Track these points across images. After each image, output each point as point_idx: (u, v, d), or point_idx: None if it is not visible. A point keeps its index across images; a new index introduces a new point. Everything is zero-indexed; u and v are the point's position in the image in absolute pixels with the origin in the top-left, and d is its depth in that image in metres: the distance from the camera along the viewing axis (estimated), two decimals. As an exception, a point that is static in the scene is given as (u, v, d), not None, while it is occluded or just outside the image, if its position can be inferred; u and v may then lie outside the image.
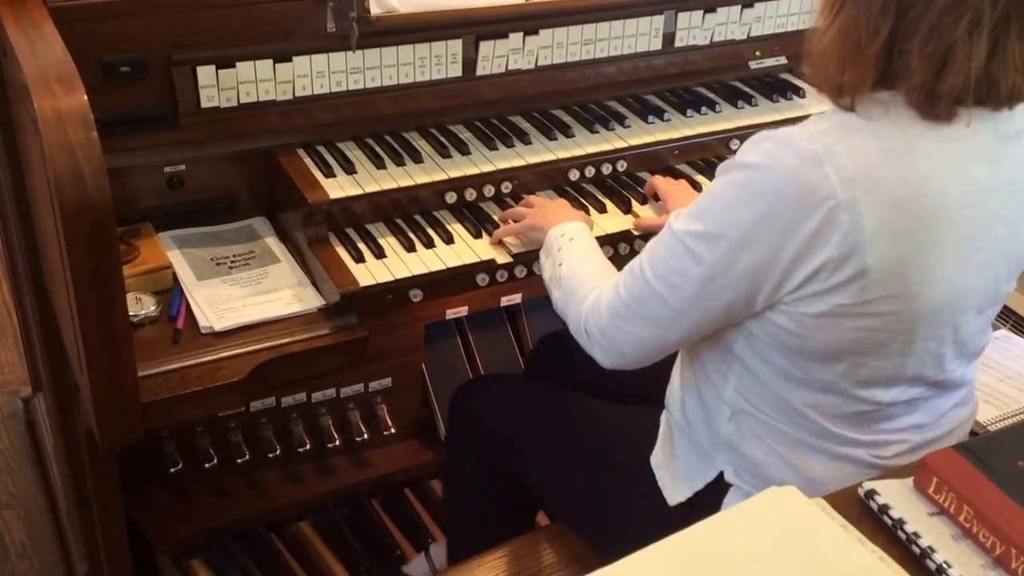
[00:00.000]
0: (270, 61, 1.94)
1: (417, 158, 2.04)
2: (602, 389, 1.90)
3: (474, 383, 2.18)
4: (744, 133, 2.29)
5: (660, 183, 2.10)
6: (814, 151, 1.30)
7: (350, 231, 1.97)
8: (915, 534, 1.26)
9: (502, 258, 1.96)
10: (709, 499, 1.61)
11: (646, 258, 1.50)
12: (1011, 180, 1.38)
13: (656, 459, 1.69)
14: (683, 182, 2.15)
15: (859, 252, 1.31)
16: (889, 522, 1.29)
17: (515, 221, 1.99)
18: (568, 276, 1.70)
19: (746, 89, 2.43)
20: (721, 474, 1.60)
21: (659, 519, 1.63)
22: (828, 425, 1.49)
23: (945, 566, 1.22)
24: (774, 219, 1.33)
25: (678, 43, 2.36)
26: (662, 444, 1.69)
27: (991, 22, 1.25)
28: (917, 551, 1.25)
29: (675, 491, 1.65)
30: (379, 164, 2.01)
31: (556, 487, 1.89)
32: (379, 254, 1.91)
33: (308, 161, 2.00)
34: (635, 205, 2.11)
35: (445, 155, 2.07)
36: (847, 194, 1.29)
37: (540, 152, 2.12)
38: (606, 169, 2.18)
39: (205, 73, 1.90)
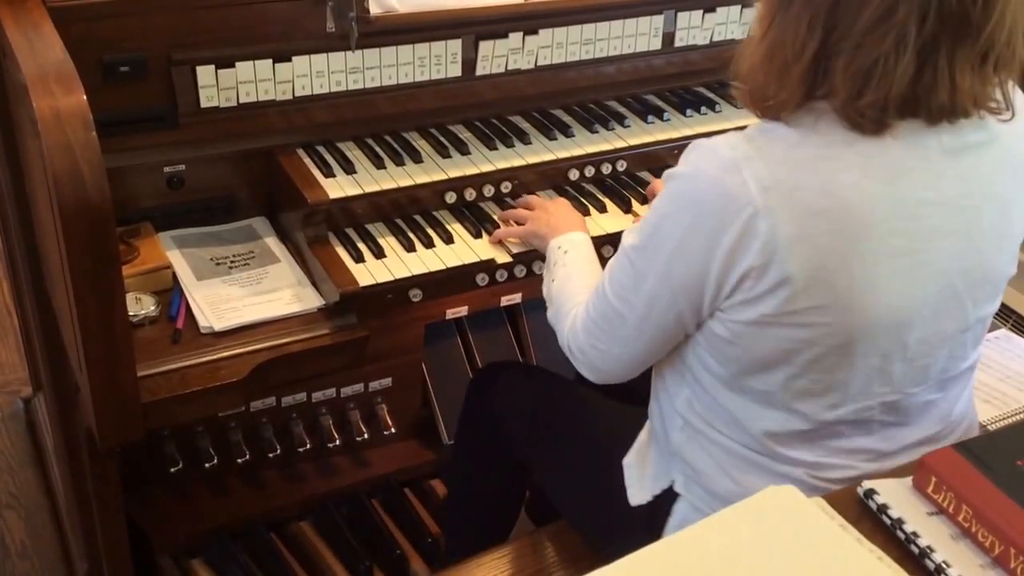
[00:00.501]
0: (269, 61, 1.94)
1: (417, 158, 2.04)
2: (613, 387, 1.90)
3: (495, 368, 2.18)
4: (744, 133, 2.29)
5: (659, 187, 2.10)
6: (734, 159, 1.31)
7: (350, 231, 1.97)
8: (914, 533, 1.26)
9: (502, 258, 1.96)
10: (665, 505, 1.62)
11: (607, 277, 1.52)
12: (962, 195, 1.35)
13: (629, 459, 1.70)
14: None
15: (778, 260, 1.30)
16: (888, 521, 1.29)
17: (516, 222, 1.99)
18: (557, 293, 1.71)
19: (746, 89, 2.43)
20: (673, 483, 1.61)
21: (624, 519, 1.66)
22: (770, 442, 1.48)
23: (944, 566, 1.22)
24: (699, 228, 1.33)
25: (678, 43, 2.36)
26: (639, 446, 1.70)
27: (918, 40, 1.24)
28: (916, 551, 1.25)
29: (639, 492, 1.66)
30: (379, 164, 2.01)
31: (555, 480, 1.90)
32: (379, 254, 1.92)
33: (308, 161, 2.00)
34: (635, 205, 2.12)
35: (445, 155, 2.07)
36: (764, 201, 1.28)
37: (540, 152, 2.12)
38: (606, 169, 2.18)
39: (205, 73, 1.90)
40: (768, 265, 1.31)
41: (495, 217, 2.05)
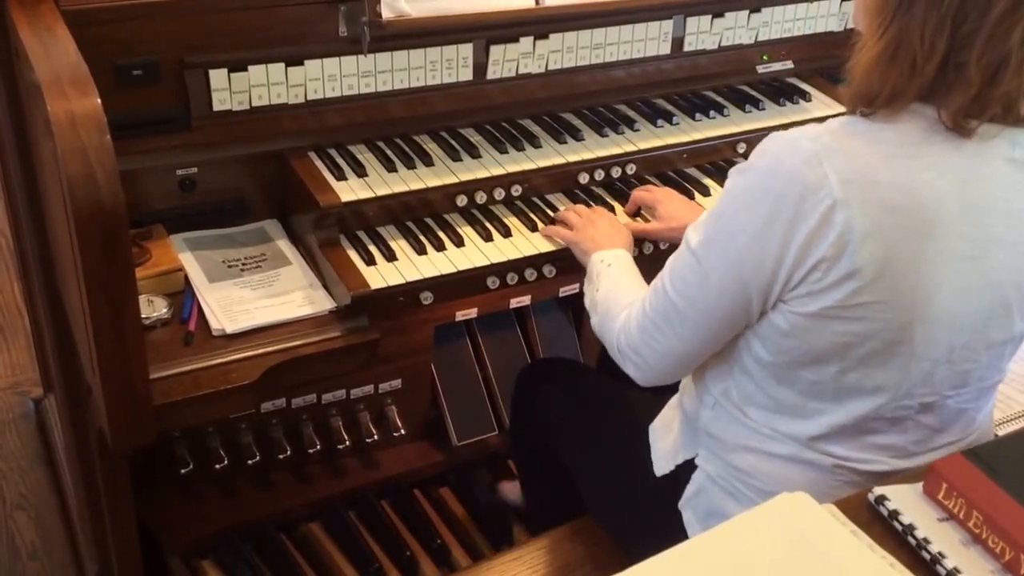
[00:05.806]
0: (282, 65, 1.95)
1: (428, 161, 2.05)
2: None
3: (539, 366, 2.17)
4: (752, 137, 2.29)
5: (646, 196, 2.09)
6: (815, 151, 1.32)
7: (361, 234, 1.97)
8: (925, 540, 1.26)
9: (513, 255, 1.96)
10: (684, 476, 1.65)
11: (667, 274, 1.52)
12: (1022, 209, 1.37)
13: (652, 428, 1.74)
14: (668, 190, 2.14)
15: (849, 253, 1.32)
16: (899, 528, 1.29)
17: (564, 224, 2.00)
18: (603, 300, 1.71)
19: (754, 93, 2.44)
20: (695, 456, 1.64)
21: (646, 491, 1.71)
22: (806, 436, 1.51)
23: (955, 572, 1.23)
24: (777, 219, 1.35)
25: (687, 47, 2.37)
26: (663, 420, 1.73)
27: None
28: (927, 557, 1.25)
29: (662, 463, 1.69)
30: (390, 167, 2.02)
31: (584, 467, 1.92)
32: (390, 257, 1.92)
33: (319, 164, 2.00)
34: (643, 210, 2.12)
35: (455, 158, 2.07)
36: (843, 194, 1.30)
37: (550, 155, 2.12)
38: (615, 172, 2.18)
39: (217, 76, 1.91)
40: (839, 257, 1.32)
41: (551, 214, 2.06)
